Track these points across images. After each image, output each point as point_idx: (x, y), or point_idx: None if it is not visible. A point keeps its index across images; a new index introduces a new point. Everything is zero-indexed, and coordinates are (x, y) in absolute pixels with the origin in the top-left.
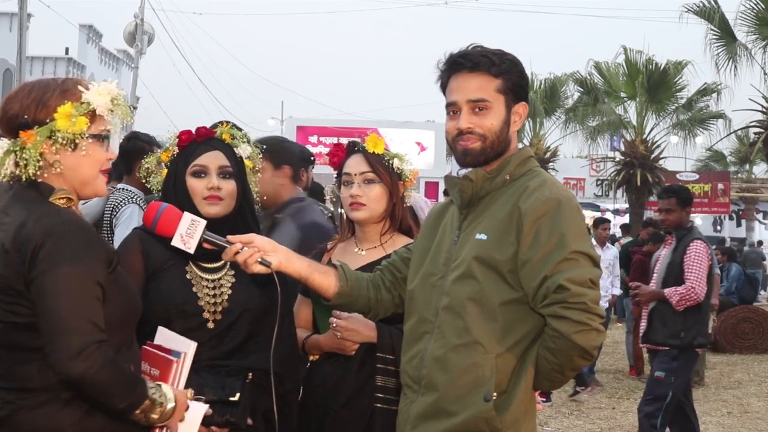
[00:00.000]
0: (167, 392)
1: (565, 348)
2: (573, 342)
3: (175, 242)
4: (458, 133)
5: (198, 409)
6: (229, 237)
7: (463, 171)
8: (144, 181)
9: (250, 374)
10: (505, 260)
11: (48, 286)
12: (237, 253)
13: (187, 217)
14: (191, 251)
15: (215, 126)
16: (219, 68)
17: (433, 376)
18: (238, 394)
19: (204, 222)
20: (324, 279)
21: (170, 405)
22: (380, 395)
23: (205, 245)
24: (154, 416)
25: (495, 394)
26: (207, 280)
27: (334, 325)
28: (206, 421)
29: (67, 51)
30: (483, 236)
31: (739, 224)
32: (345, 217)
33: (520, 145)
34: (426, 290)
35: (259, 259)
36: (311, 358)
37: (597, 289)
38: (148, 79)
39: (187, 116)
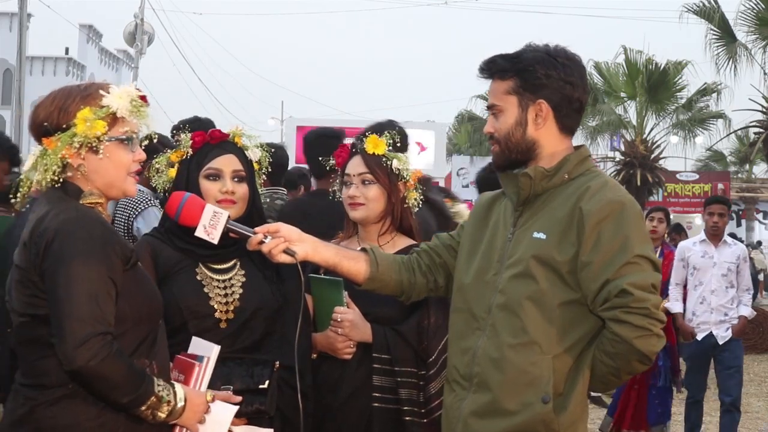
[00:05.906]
0: (178, 391)
1: (624, 352)
2: (633, 347)
3: (199, 233)
4: (488, 137)
5: (227, 411)
6: (256, 228)
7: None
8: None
9: (277, 363)
10: (565, 261)
11: (57, 277)
12: (261, 242)
13: (209, 208)
14: (215, 241)
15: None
16: (219, 68)
17: (486, 375)
18: (267, 382)
19: (226, 213)
20: (354, 265)
21: (180, 404)
22: (377, 395)
23: (231, 235)
24: (162, 414)
25: (552, 395)
26: (217, 280)
27: (339, 319)
28: (236, 413)
29: (67, 51)
30: (541, 235)
31: (739, 224)
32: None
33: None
34: (479, 286)
35: (285, 249)
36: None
37: (658, 294)
38: (148, 79)
39: (187, 116)
